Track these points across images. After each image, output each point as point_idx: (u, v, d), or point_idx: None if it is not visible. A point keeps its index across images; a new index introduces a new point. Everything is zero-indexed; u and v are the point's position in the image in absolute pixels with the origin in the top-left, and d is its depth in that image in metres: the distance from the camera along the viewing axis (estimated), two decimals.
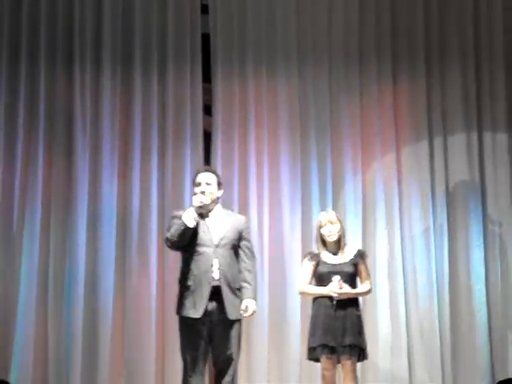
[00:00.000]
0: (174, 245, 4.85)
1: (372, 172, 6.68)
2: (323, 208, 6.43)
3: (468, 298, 6.53)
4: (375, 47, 6.75)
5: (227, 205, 6.41)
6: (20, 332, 6.21)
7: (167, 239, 4.86)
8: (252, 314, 4.90)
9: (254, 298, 4.89)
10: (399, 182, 6.67)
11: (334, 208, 6.25)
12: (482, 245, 6.58)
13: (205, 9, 6.69)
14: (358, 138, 6.68)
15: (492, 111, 6.75)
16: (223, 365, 4.83)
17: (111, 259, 6.36)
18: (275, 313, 6.43)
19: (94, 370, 6.24)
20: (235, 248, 4.91)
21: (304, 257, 5.48)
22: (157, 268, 6.39)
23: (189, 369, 4.80)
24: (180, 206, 6.35)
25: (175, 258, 6.25)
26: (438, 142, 6.73)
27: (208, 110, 6.68)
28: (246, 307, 4.83)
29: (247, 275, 4.90)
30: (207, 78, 6.67)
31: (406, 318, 6.44)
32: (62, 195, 6.43)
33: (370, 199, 6.64)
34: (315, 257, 5.38)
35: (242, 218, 5.17)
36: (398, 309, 6.45)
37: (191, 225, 4.77)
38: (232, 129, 6.61)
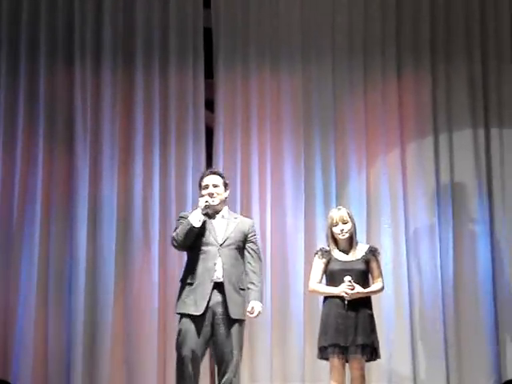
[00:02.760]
0: (180, 244, 4.98)
1: (376, 169, 6.62)
2: (327, 206, 6.42)
3: (473, 295, 6.47)
4: (380, 43, 6.70)
5: (229, 201, 6.38)
6: (20, 331, 6.17)
7: (173, 239, 5.00)
8: (257, 316, 4.98)
9: (260, 300, 4.97)
10: (404, 179, 6.61)
11: (338, 202, 6.20)
12: (489, 242, 6.52)
13: (207, 3, 6.64)
14: (362, 134, 6.63)
15: (499, 107, 6.68)
16: (224, 363, 4.87)
17: (112, 256, 6.32)
18: (278, 312, 6.41)
19: (95, 368, 6.21)
20: (240, 249, 5.01)
21: (315, 254, 5.41)
22: (158, 264, 6.35)
23: (184, 366, 4.85)
24: (182, 203, 6.38)
25: (178, 254, 6.25)
26: (443, 138, 6.66)
27: (210, 105, 6.62)
28: (252, 309, 4.91)
29: (253, 276, 4.98)
30: (209, 73, 6.61)
31: (410, 316, 6.40)
32: (63, 191, 6.39)
33: (375, 196, 6.59)
34: (326, 254, 5.32)
35: (248, 220, 5.29)
36: (402, 307, 6.41)
37: (197, 225, 4.90)
38: (234, 125, 6.56)
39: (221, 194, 5.06)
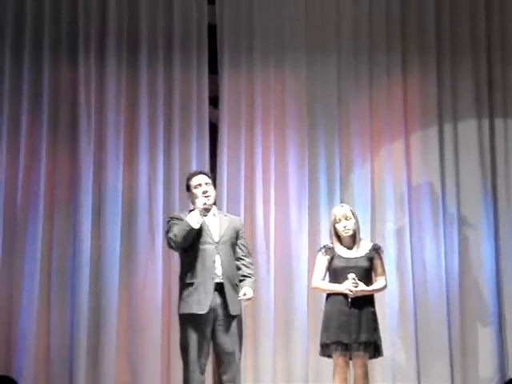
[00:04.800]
0: (179, 246, 5.05)
1: (381, 162, 6.60)
2: (331, 201, 6.40)
3: (478, 293, 6.45)
4: (385, 36, 6.68)
5: (233, 197, 6.41)
6: (23, 327, 6.17)
7: (171, 240, 5.05)
8: (249, 299, 5.08)
9: (252, 288, 5.11)
10: (408, 171, 6.59)
11: (342, 198, 6.18)
12: (493, 236, 6.49)
13: None
14: (366, 125, 6.61)
15: (504, 97, 6.66)
16: (225, 361, 4.95)
17: (116, 252, 6.32)
18: (282, 311, 6.40)
19: (99, 364, 6.20)
20: (233, 246, 5.14)
21: (318, 250, 5.42)
22: (162, 260, 6.35)
23: (191, 366, 4.92)
24: (186, 199, 6.34)
25: None
26: (448, 129, 6.64)
27: (214, 101, 6.62)
28: (245, 294, 5.02)
29: (246, 270, 5.14)
30: (214, 69, 6.61)
31: (415, 313, 6.38)
32: (67, 187, 6.40)
33: (379, 190, 6.57)
34: (330, 251, 5.32)
35: (238, 218, 5.49)
36: (407, 304, 6.38)
37: (196, 226, 4.99)
38: (239, 120, 6.56)
39: (213, 192, 5.20)
